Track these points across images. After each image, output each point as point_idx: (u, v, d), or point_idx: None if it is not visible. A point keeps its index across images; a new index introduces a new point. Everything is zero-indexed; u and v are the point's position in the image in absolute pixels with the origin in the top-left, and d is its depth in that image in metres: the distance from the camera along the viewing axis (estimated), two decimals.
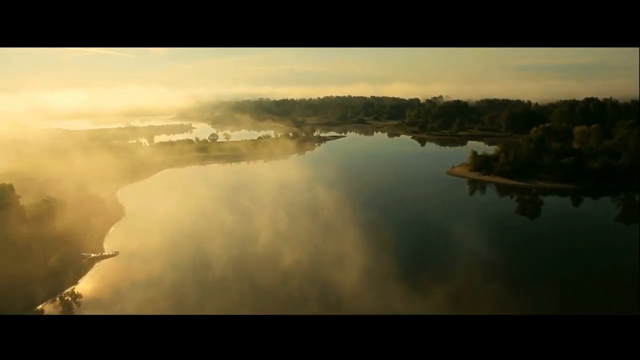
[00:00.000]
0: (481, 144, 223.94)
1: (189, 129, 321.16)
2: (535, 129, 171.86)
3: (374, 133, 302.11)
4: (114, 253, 78.33)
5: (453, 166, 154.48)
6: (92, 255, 76.49)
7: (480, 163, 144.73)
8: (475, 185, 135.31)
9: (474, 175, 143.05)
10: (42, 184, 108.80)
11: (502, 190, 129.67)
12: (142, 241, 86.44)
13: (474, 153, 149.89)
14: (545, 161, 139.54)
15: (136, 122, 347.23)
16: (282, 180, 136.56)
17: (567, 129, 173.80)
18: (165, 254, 78.70)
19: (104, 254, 77.92)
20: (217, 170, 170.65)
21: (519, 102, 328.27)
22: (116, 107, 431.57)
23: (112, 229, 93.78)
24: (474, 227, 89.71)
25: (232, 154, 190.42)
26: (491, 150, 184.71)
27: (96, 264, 74.13)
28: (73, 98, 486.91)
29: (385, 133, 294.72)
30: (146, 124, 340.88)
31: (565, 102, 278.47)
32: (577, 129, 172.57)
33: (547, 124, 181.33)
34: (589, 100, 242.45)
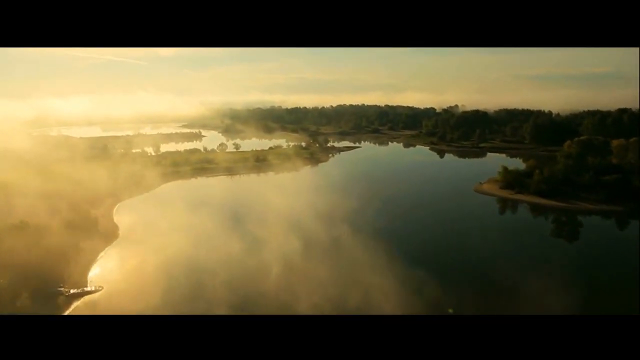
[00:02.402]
0: (502, 156, 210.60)
1: (199, 137, 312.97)
2: (569, 142, 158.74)
3: (389, 143, 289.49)
4: (97, 288, 66.70)
5: (480, 182, 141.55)
6: (72, 291, 64.94)
7: (513, 180, 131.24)
8: (506, 204, 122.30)
9: (505, 193, 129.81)
10: (29, 199, 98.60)
11: (538, 211, 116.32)
12: (133, 272, 74.88)
13: (505, 169, 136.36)
14: (584, 179, 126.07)
15: (146, 130, 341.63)
16: (294, 198, 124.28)
17: (605, 143, 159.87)
18: (159, 289, 67.04)
19: (85, 289, 66.23)
20: (224, 184, 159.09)
21: (540, 112, 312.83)
22: (127, 114, 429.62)
23: (101, 254, 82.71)
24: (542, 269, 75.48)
25: (241, 165, 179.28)
26: (515, 163, 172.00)
27: (75, 303, 62.63)
28: (84, 105, 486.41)
29: (402, 144, 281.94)
30: (156, 131, 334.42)
31: (589, 112, 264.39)
32: (616, 143, 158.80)
33: (582, 137, 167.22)
34: (623, 111, 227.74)
